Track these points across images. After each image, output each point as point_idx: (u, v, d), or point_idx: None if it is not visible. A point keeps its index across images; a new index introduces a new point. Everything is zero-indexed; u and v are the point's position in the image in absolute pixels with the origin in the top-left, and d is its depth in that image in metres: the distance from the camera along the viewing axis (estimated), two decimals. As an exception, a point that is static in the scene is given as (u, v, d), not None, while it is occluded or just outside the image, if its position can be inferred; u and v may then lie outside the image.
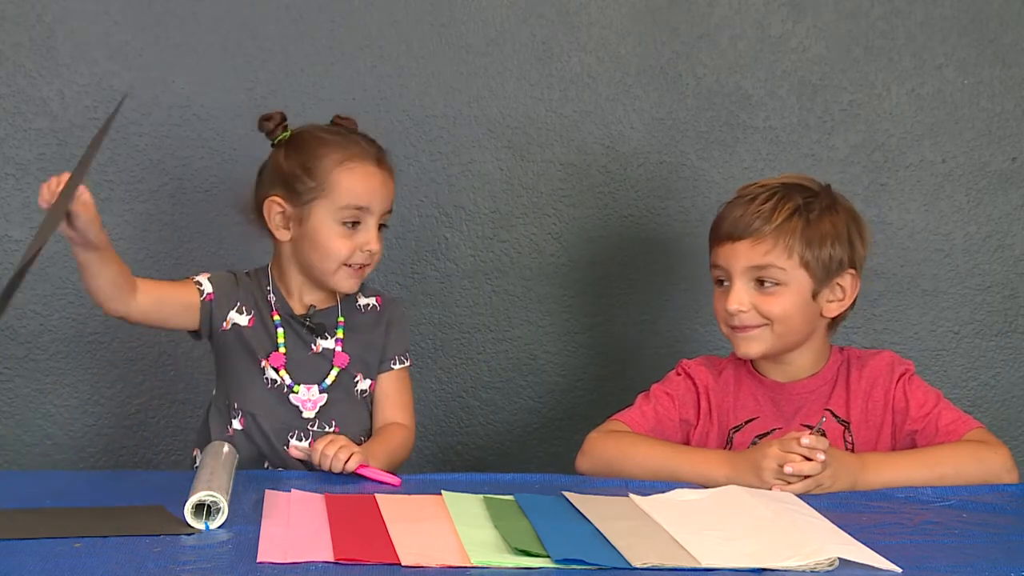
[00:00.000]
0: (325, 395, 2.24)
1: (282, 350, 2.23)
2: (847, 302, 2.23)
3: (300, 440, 2.21)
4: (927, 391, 2.22)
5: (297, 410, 2.23)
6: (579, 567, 1.60)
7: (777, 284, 2.17)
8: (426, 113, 2.67)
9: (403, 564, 1.59)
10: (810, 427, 2.12)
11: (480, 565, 1.60)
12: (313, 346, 2.25)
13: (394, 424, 2.27)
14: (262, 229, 2.27)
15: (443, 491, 1.90)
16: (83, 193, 1.90)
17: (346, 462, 2.03)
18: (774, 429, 2.21)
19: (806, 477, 2.00)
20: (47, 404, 2.64)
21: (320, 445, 2.06)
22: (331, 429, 2.22)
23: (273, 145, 2.27)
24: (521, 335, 2.75)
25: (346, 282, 2.23)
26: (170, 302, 2.19)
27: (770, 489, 1.98)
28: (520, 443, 2.77)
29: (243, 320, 2.24)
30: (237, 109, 2.61)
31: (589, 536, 1.71)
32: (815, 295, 2.19)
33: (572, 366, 2.77)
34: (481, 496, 1.88)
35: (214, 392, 2.29)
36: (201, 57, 2.62)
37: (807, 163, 2.72)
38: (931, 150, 2.77)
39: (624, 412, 2.26)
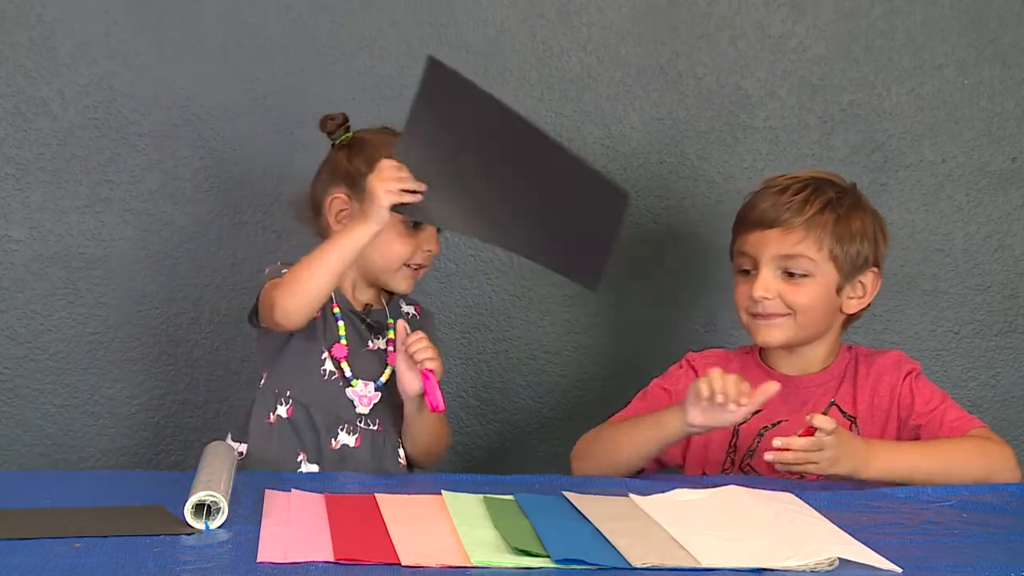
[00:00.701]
0: (379, 393, 2.25)
1: (343, 342, 2.24)
2: (867, 300, 2.26)
3: (349, 435, 2.22)
4: (933, 390, 2.24)
5: (351, 404, 2.23)
6: (579, 567, 1.60)
7: (805, 275, 2.20)
8: (426, 113, 2.67)
9: (403, 564, 1.59)
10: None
11: (480, 565, 1.60)
12: (369, 343, 2.27)
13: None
14: (314, 228, 2.29)
15: (443, 491, 1.90)
16: None
17: (425, 360, 2.14)
18: (780, 421, 2.21)
19: (789, 451, 2.01)
20: (47, 404, 2.64)
21: (414, 336, 2.17)
22: (375, 427, 2.24)
23: (333, 146, 2.29)
24: (521, 335, 2.75)
25: (403, 282, 2.26)
26: None
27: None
28: (520, 443, 2.76)
29: None
30: (237, 109, 2.62)
31: (589, 536, 1.71)
32: (839, 290, 2.22)
33: (572, 366, 2.77)
34: (481, 496, 1.87)
35: (261, 383, 2.27)
36: (201, 57, 2.62)
37: (807, 163, 2.71)
38: (931, 150, 2.77)
39: (620, 413, 2.27)
